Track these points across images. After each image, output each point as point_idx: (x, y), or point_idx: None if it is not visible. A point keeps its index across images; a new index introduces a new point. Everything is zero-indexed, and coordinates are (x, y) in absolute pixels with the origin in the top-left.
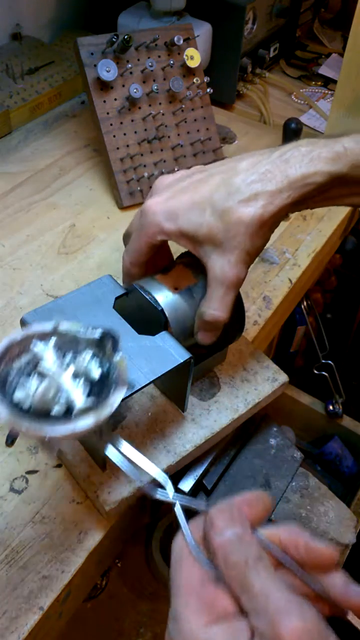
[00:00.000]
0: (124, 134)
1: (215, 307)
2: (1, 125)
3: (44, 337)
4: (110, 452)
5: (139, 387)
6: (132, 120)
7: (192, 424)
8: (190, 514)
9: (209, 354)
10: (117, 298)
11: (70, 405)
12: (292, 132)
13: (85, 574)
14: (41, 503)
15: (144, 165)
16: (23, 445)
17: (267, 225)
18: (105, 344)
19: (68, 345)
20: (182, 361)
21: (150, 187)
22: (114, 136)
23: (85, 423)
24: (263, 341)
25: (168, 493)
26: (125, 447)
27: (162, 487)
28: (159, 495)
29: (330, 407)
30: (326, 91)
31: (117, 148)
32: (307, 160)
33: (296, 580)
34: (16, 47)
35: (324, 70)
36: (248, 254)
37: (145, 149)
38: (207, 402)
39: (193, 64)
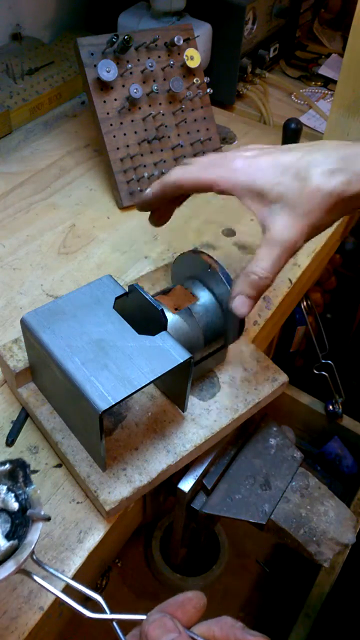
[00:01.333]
0: (124, 134)
1: (265, 266)
2: (1, 125)
3: None
4: (38, 579)
5: (139, 387)
6: (132, 121)
7: (192, 424)
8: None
9: (208, 356)
10: (117, 298)
11: None
12: (292, 132)
13: (85, 574)
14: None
15: (144, 166)
16: (23, 445)
17: (342, 204)
18: (17, 475)
19: None
20: (182, 361)
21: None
22: (114, 136)
23: (6, 570)
24: (263, 341)
25: (105, 611)
26: (51, 571)
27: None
28: (95, 616)
29: (330, 407)
30: (326, 91)
31: (117, 148)
32: None
33: None
34: (16, 48)
35: (324, 70)
36: (314, 227)
37: (145, 149)
38: (207, 402)
39: (193, 64)
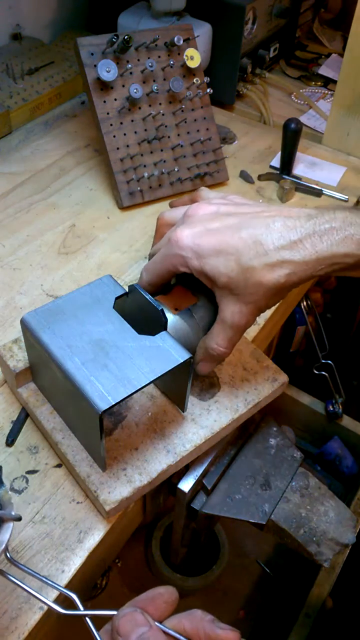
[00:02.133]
0: (124, 134)
1: (221, 343)
2: (1, 125)
3: None
4: (12, 579)
5: (139, 387)
6: (132, 121)
7: (192, 424)
8: (191, 511)
9: None
10: (117, 298)
11: None
12: (292, 132)
13: (85, 574)
14: (41, 503)
15: (144, 166)
16: (23, 445)
17: (285, 290)
18: None
19: None
20: (182, 361)
21: (150, 187)
22: (114, 136)
23: None
24: (263, 341)
25: (79, 608)
26: (26, 569)
27: (72, 604)
28: (68, 612)
29: (330, 407)
30: (326, 91)
31: (117, 148)
32: (340, 238)
33: None
34: (16, 48)
35: (324, 70)
36: (260, 310)
37: (145, 149)
38: (207, 402)
39: (193, 64)
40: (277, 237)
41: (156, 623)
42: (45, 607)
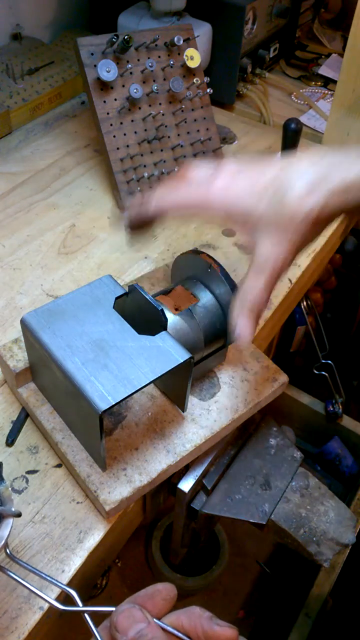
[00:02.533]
0: (124, 134)
1: (257, 287)
2: (1, 125)
3: None
4: (12, 575)
5: (139, 387)
6: (132, 121)
7: (192, 424)
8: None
9: (209, 356)
10: (117, 298)
11: None
12: (292, 132)
13: (85, 574)
14: (41, 503)
15: (144, 166)
16: (23, 445)
17: (321, 223)
18: None
19: None
20: (182, 361)
21: (151, 187)
22: (114, 136)
23: None
24: (263, 341)
25: (78, 604)
26: (25, 565)
27: (70, 599)
28: (67, 608)
29: (330, 407)
30: (326, 91)
31: (117, 148)
32: None
33: None
34: (16, 48)
35: (324, 70)
36: (296, 246)
37: (145, 149)
38: (207, 402)
39: (193, 64)
40: (307, 169)
41: (154, 620)
42: (46, 607)
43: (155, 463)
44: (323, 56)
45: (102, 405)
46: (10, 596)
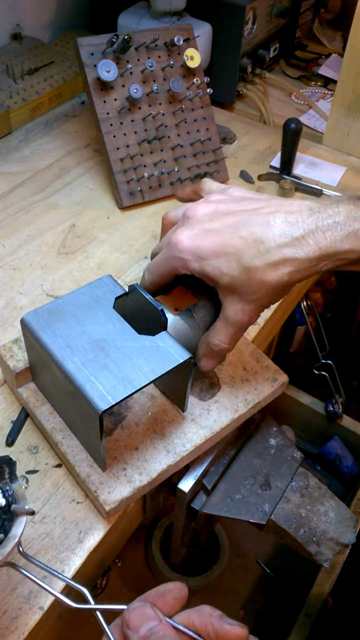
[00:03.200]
0: (124, 134)
1: (223, 340)
2: (1, 125)
3: None
4: (25, 572)
5: (139, 387)
6: (132, 121)
7: (192, 424)
8: (191, 511)
9: None
10: (117, 298)
11: None
12: (292, 132)
13: (85, 574)
14: (41, 503)
15: (144, 166)
16: (23, 445)
17: (289, 287)
18: (3, 471)
19: None
20: (182, 361)
21: (150, 187)
22: (114, 136)
23: None
24: (263, 341)
25: (90, 602)
26: (37, 563)
27: (82, 597)
28: (79, 605)
29: (330, 407)
30: (326, 91)
31: (117, 148)
32: (344, 234)
33: None
34: (16, 47)
35: (324, 70)
36: (263, 307)
37: (145, 149)
38: (207, 402)
39: (193, 64)
40: (278, 234)
41: (166, 618)
42: (46, 607)
43: (155, 463)
44: (323, 56)
45: (102, 405)
46: (10, 596)
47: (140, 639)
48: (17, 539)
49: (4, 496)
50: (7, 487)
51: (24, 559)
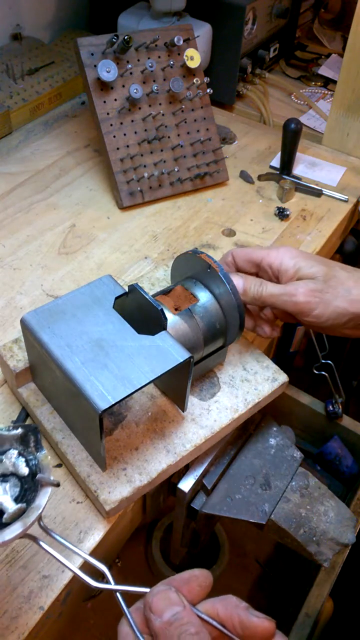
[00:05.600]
0: (124, 135)
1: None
2: (1, 125)
3: None
4: (45, 546)
5: (139, 386)
6: (132, 121)
7: (192, 424)
8: (191, 511)
9: (208, 356)
10: (117, 298)
11: (1, 512)
12: (292, 132)
13: (85, 574)
14: None
15: (144, 166)
16: None
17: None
18: (28, 441)
19: None
20: (182, 361)
21: (151, 187)
22: (114, 136)
23: (13, 531)
24: (263, 341)
25: (110, 582)
26: (60, 539)
27: (102, 576)
28: (100, 585)
29: (330, 407)
30: (326, 91)
31: (117, 148)
32: None
33: None
34: (16, 48)
35: (323, 70)
36: None
37: (145, 149)
38: (207, 402)
39: (193, 64)
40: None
41: (190, 606)
42: (46, 607)
43: (155, 463)
44: (323, 56)
45: (102, 404)
46: (10, 596)
47: (163, 624)
48: (40, 510)
49: (27, 465)
50: (32, 457)
51: (45, 533)
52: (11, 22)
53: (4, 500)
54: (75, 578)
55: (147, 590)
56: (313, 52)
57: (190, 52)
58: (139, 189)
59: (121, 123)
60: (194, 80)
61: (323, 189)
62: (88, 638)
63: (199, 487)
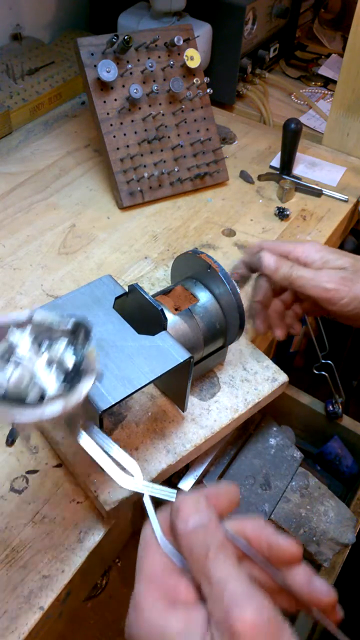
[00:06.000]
0: (124, 135)
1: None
2: (1, 125)
3: (20, 326)
4: (84, 440)
5: (139, 387)
6: (132, 121)
7: (192, 424)
8: None
9: (208, 356)
10: (117, 298)
11: (44, 392)
12: (291, 132)
13: (85, 574)
14: (41, 503)
15: (144, 166)
16: (23, 445)
17: None
18: (78, 334)
19: (43, 334)
20: (182, 361)
21: (151, 187)
22: (114, 136)
23: (53, 410)
24: (263, 341)
25: (137, 483)
26: (99, 436)
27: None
28: (128, 486)
29: (330, 407)
30: (326, 91)
31: (117, 148)
32: None
33: (261, 574)
34: (16, 48)
35: (323, 70)
36: None
37: (145, 149)
38: (207, 402)
39: (193, 64)
40: None
41: (217, 519)
42: (46, 607)
43: (155, 463)
44: (323, 56)
45: (102, 404)
46: (10, 596)
47: (188, 532)
48: (82, 395)
49: (75, 355)
50: (80, 348)
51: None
52: (11, 22)
53: (49, 380)
54: (74, 579)
55: (175, 492)
56: (313, 52)
57: (190, 52)
58: (139, 189)
59: (121, 123)
60: (194, 80)
61: (323, 189)
62: (88, 638)
63: (199, 487)
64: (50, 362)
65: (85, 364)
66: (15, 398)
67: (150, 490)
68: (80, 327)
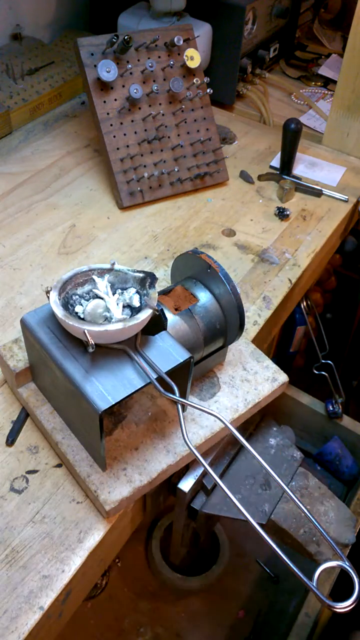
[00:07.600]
0: (124, 135)
1: None
2: (1, 125)
3: (102, 273)
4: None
5: (139, 387)
6: (132, 121)
7: (192, 424)
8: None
9: (208, 356)
10: None
11: (111, 318)
12: (292, 132)
13: (85, 574)
14: (41, 503)
15: (144, 166)
16: (23, 445)
17: None
18: (145, 282)
19: (119, 280)
20: (182, 361)
21: (151, 187)
22: (114, 136)
23: (115, 327)
24: (263, 341)
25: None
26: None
27: (172, 390)
28: (169, 394)
29: (330, 407)
30: (326, 91)
31: (117, 148)
32: None
33: None
34: (16, 48)
35: (323, 70)
36: None
37: (145, 149)
38: (207, 402)
39: (193, 64)
40: None
41: None
42: (46, 607)
43: (155, 463)
44: (323, 56)
45: (102, 405)
46: (10, 596)
47: None
48: (139, 320)
49: (140, 299)
50: (145, 292)
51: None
52: (11, 22)
53: (116, 311)
54: (74, 579)
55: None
56: (313, 52)
57: (190, 52)
58: (139, 189)
59: (121, 123)
60: (194, 80)
61: (323, 189)
62: (88, 638)
63: (199, 487)
64: (119, 301)
65: (147, 301)
66: (90, 320)
67: (186, 401)
68: (149, 277)
